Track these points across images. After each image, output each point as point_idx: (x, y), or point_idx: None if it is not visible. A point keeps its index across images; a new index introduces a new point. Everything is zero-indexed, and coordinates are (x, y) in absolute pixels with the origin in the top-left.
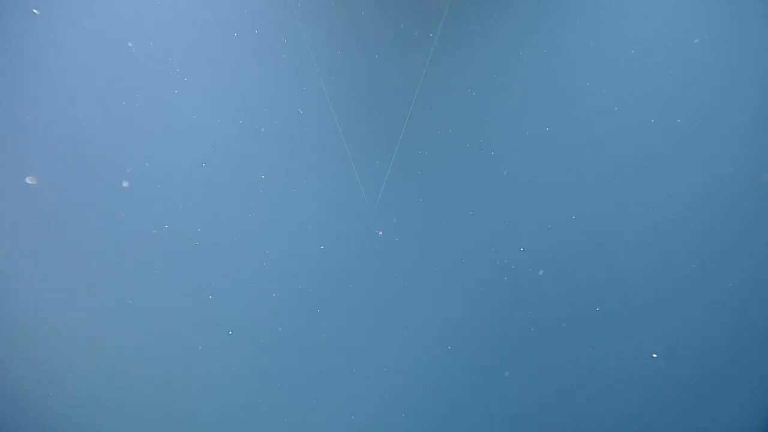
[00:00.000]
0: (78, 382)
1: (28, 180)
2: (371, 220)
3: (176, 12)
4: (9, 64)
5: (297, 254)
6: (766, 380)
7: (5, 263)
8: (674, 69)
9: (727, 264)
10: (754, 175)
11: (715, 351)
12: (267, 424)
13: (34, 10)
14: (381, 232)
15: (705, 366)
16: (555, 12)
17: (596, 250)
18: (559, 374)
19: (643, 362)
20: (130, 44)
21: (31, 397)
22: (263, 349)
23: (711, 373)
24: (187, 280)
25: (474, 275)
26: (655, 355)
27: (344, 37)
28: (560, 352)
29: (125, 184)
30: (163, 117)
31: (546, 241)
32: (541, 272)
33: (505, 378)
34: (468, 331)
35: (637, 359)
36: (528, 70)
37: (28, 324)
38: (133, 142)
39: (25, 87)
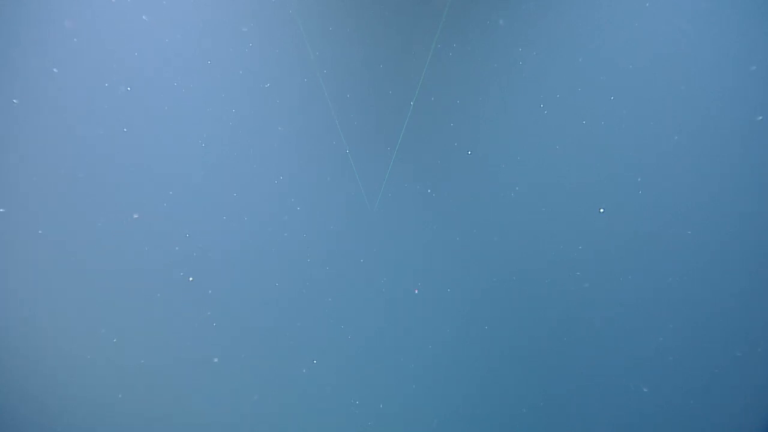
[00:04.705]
0: (78, 383)
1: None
2: (371, 220)
3: (174, 10)
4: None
5: (296, 254)
6: (766, 380)
7: (6, 263)
8: (678, 69)
9: (728, 264)
10: (757, 175)
11: (716, 351)
12: (265, 424)
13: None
14: (416, 291)
15: (705, 366)
16: (556, 12)
17: (599, 250)
18: (559, 374)
19: (643, 362)
20: (142, 15)
21: (31, 397)
22: (263, 349)
23: (711, 372)
24: (185, 280)
25: (476, 275)
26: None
27: (344, 37)
28: (561, 352)
29: (135, 215)
30: (159, 116)
31: (547, 241)
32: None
33: (507, 378)
34: (471, 332)
35: (638, 359)
36: (529, 70)
37: (28, 324)
38: (130, 142)
39: (25, 83)
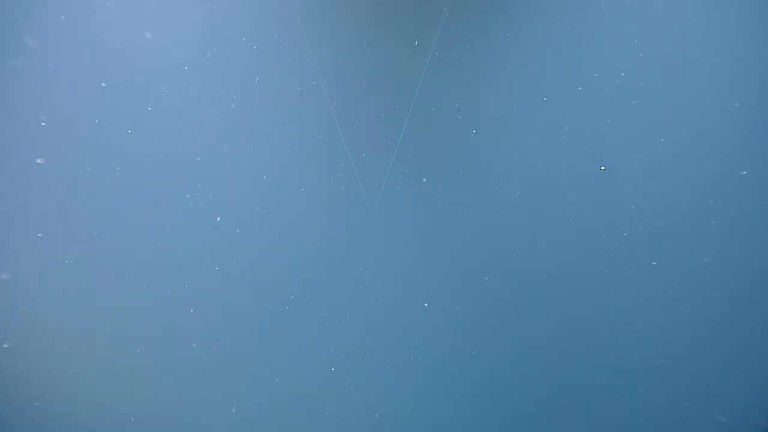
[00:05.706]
0: (78, 383)
1: (39, 161)
2: (371, 220)
3: (174, 10)
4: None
5: (297, 254)
6: (766, 380)
7: (6, 264)
8: (678, 69)
9: (728, 264)
10: (757, 174)
11: (716, 351)
12: (265, 425)
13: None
14: (426, 305)
15: (705, 366)
16: (556, 11)
17: (600, 249)
18: (559, 375)
19: (643, 363)
20: (124, 40)
21: (30, 397)
22: (263, 350)
23: (711, 372)
24: (185, 280)
25: (476, 275)
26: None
27: (344, 37)
28: (562, 352)
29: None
30: (159, 116)
31: (548, 240)
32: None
33: (507, 378)
34: (471, 331)
35: (638, 359)
36: (529, 70)
37: (28, 323)
38: (130, 142)
39: (27, 81)
